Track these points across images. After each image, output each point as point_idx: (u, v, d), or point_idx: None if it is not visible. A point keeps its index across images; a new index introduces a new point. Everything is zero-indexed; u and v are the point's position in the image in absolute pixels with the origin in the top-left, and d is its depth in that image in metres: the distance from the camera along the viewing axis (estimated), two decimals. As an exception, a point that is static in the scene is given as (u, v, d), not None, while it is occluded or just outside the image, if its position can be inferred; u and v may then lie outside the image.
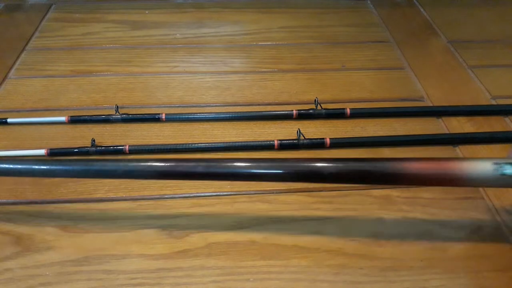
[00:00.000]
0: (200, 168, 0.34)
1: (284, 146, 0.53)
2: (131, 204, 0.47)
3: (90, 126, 0.57)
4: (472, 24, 0.81)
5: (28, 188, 0.48)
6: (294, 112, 0.58)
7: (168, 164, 0.35)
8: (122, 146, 0.52)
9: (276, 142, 0.53)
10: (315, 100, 0.58)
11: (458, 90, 0.65)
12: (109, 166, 0.37)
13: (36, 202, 0.47)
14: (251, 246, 0.42)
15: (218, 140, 0.55)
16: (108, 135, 0.56)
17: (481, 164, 0.26)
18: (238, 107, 0.61)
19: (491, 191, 0.48)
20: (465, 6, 0.87)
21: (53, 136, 0.56)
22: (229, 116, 0.58)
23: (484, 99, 0.63)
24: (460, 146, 0.54)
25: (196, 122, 0.58)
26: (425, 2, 0.88)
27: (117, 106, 0.58)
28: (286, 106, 0.61)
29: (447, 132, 0.57)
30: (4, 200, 0.47)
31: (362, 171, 0.30)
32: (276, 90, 0.64)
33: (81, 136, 0.55)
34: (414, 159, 0.31)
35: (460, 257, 0.42)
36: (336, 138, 0.54)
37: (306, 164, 0.32)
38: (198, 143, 0.54)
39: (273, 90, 0.64)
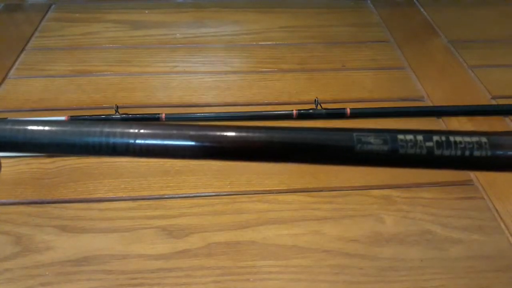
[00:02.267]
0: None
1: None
2: (131, 204, 0.47)
3: (90, 126, 0.57)
4: (472, 24, 0.81)
5: (28, 188, 0.48)
6: (294, 112, 0.58)
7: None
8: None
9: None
10: (315, 100, 0.58)
11: (458, 90, 0.65)
12: None
13: (36, 202, 0.47)
14: (251, 246, 0.42)
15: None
16: (108, 135, 0.55)
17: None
18: (238, 107, 0.61)
19: (491, 191, 0.48)
20: (465, 6, 0.87)
21: (53, 136, 0.55)
22: (229, 116, 0.58)
23: (484, 99, 0.62)
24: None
25: (196, 122, 0.58)
26: (425, 2, 0.88)
27: (117, 106, 0.58)
28: (286, 106, 0.60)
29: (447, 132, 0.57)
30: (4, 200, 0.47)
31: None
32: (276, 90, 0.64)
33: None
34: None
35: (460, 257, 0.42)
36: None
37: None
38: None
39: (273, 90, 0.64)
